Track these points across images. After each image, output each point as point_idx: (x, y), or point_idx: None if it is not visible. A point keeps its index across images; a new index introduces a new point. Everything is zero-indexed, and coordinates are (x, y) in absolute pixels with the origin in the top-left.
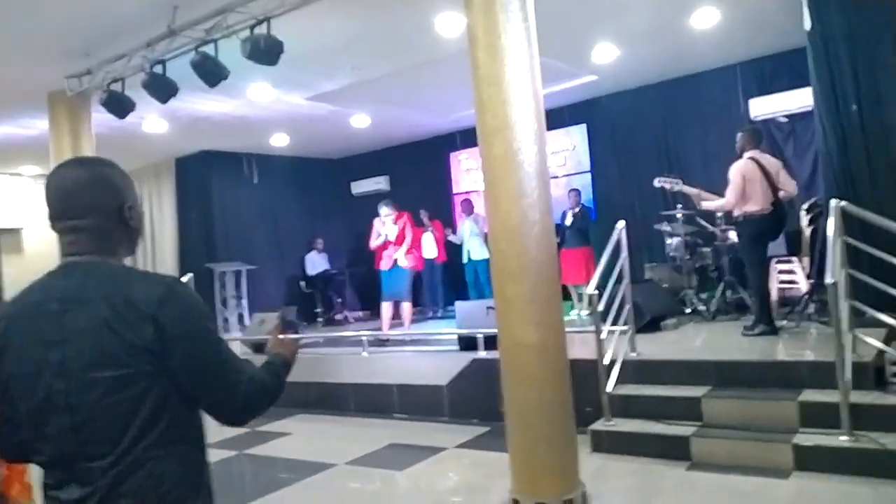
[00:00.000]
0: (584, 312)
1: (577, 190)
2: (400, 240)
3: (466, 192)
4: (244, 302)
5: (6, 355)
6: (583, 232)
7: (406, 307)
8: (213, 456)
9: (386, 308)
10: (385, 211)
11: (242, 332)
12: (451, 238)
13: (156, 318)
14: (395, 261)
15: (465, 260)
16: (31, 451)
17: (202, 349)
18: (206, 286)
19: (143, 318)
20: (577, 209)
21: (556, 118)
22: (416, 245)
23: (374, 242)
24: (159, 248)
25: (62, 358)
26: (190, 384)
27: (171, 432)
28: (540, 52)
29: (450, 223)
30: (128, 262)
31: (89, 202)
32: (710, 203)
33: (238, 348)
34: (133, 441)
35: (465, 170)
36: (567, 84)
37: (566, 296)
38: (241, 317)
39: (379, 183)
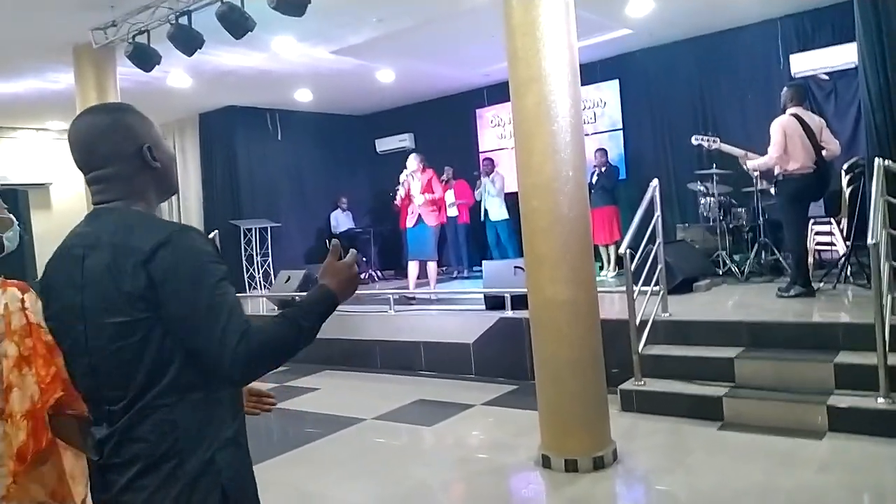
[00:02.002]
0: (611, 274)
1: (604, 149)
2: (425, 190)
3: (493, 150)
4: (269, 259)
5: (50, 297)
6: (608, 191)
7: (431, 266)
8: None
9: (412, 267)
10: (412, 165)
11: (268, 289)
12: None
13: (148, 266)
14: (420, 216)
15: (482, 219)
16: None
17: (191, 296)
18: (231, 243)
19: (137, 265)
20: (603, 168)
21: (588, 73)
22: (441, 201)
23: (399, 196)
24: (184, 204)
25: (82, 301)
26: (181, 334)
27: (182, 381)
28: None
29: (475, 180)
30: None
31: (108, 150)
32: (754, 162)
33: (264, 306)
34: (141, 388)
35: (493, 126)
36: (600, 38)
37: (595, 256)
38: (266, 274)
39: (403, 140)
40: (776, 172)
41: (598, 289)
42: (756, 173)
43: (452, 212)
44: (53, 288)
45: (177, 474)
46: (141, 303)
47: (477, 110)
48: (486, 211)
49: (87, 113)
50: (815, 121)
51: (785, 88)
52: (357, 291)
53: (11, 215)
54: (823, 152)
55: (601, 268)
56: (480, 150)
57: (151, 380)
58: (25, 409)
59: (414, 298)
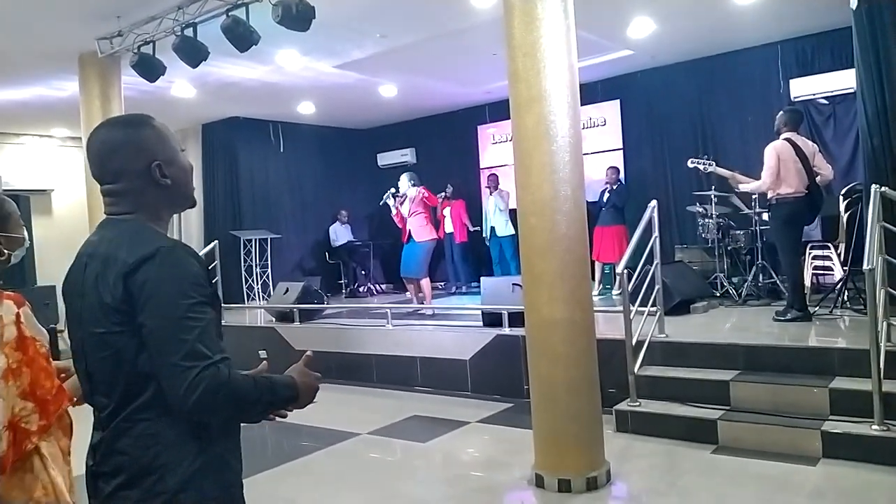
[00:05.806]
0: (594, 293)
1: (615, 167)
2: (414, 210)
3: (494, 167)
4: (269, 270)
5: (66, 303)
6: (618, 209)
7: (424, 283)
8: None
9: (408, 283)
10: (403, 185)
11: (266, 301)
12: (475, 229)
13: (127, 279)
14: (410, 234)
15: (486, 235)
16: None
17: (161, 313)
18: (231, 253)
19: (118, 278)
20: (614, 186)
21: (589, 93)
22: (431, 217)
23: (394, 210)
24: (185, 213)
25: (80, 309)
26: (149, 351)
27: (163, 396)
28: (575, 23)
29: (476, 197)
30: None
31: (118, 166)
32: (746, 185)
33: (262, 317)
34: (122, 400)
35: (494, 143)
36: (601, 58)
37: (602, 275)
38: (265, 285)
39: (405, 155)
40: (769, 196)
41: (596, 308)
42: (753, 196)
43: (450, 228)
44: (66, 294)
45: (157, 489)
46: (116, 315)
47: (478, 127)
48: (492, 228)
49: (104, 126)
50: (808, 146)
51: (780, 113)
52: (354, 306)
53: (25, 234)
54: (817, 178)
55: (609, 287)
56: (482, 166)
57: (131, 393)
58: (7, 420)
59: (415, 312)
